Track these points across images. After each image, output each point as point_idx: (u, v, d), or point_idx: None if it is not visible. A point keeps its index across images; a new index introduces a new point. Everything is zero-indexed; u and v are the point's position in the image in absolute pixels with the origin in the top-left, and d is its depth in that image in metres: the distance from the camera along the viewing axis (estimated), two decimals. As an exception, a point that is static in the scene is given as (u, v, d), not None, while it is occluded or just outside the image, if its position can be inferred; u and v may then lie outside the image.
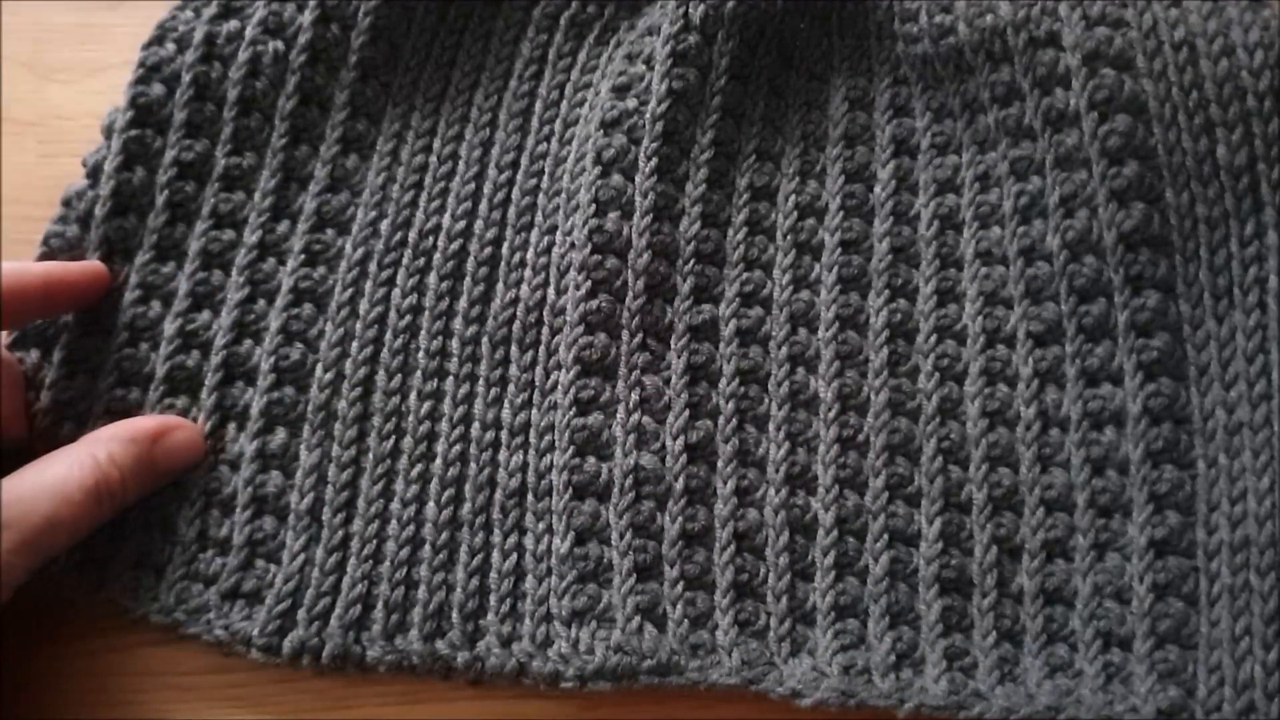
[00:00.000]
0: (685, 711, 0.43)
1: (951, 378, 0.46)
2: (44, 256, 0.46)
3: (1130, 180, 0.46)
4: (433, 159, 0.50)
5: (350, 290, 0.47)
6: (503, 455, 0.46)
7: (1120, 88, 0.46)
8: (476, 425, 0.46)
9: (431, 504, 0.45)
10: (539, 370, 0.47)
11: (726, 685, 0.42)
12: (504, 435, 0.46)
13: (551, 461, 0.45)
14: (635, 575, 0.43)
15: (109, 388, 0.45)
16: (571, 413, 0.45)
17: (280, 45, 0.48)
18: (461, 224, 0.49)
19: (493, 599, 0.44)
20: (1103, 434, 0.45)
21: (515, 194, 0.49)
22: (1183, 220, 0.46)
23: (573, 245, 0.47)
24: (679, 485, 0.45)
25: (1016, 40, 0.47)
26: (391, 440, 0.46)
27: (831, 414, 0.46)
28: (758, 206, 0.49)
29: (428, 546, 0.44)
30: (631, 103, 0.49)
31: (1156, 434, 0.44)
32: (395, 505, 0.45)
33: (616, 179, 0.48)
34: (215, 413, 0.45)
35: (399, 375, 0.47)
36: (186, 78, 0.47)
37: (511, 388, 0.47)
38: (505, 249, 0.48)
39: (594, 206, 0.47)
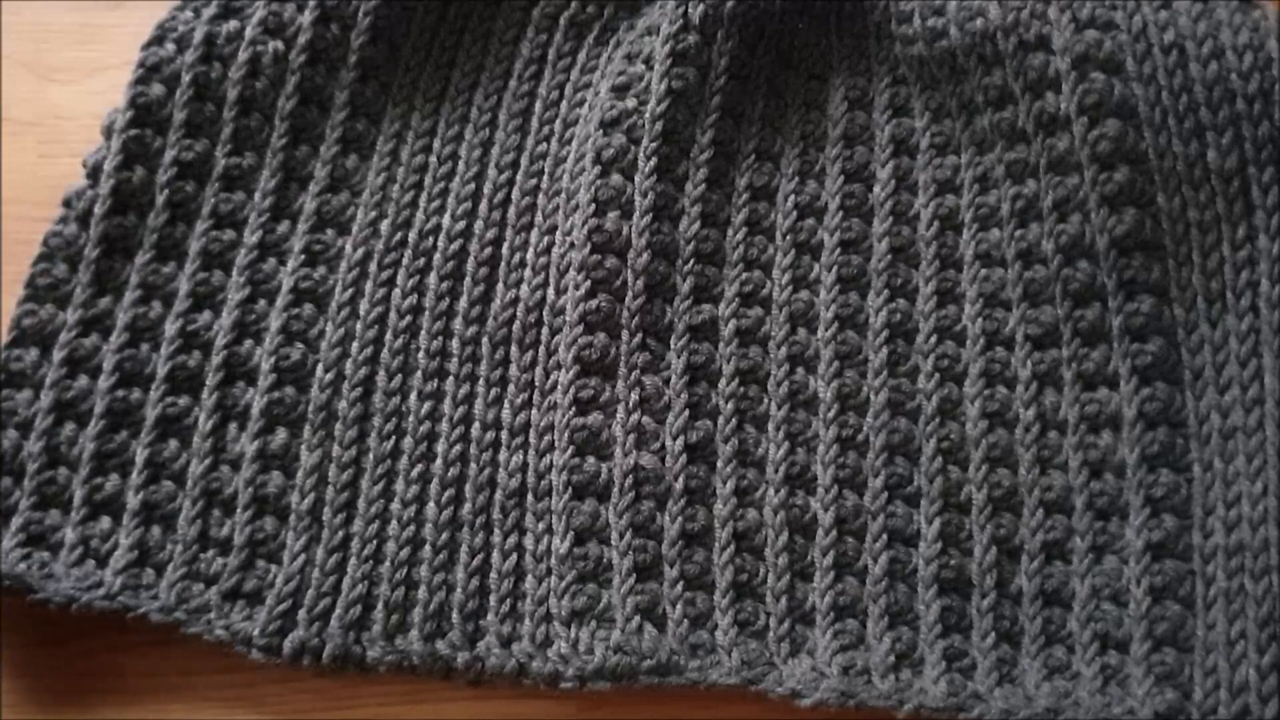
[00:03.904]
0: (685, 711, 0.43)
1: (951, 379, 0.47)
2: (43, 256, 0.46)
3: (1121, 185, 0.46)
4: (433, 159, 0.50)
5: (350, 290, 0.47)
6: (503, 455, 0.46)
7: (1110, 91, 0.46)
8: (476, 425, 0.46)
9: (432, 504, 0.45)
10: (539, 370, 0.47)
11: (726, 685, 0.42)
12: (504, 435, 0.46)
13: (551, 461, 0.45)
14: (635, 575, 0.44)
15: (110, 388, 0.45)
16: (571, 413, 0.46)
17: (280, 45, 0.48)
18: (461, 224, 0.49)
19: (493, 599, 0.44)
20: (1100, 437, 0.45)
21: (515, 194, 0.49)
22: (1174, 225, 0.46)
23: (572, 245, 0.47)
24: (679, 485, 0.45)
25: (1007, 44, 0.47)
26: (392, 440, 0.46)
27: (831, 414, 0.46)
28: (757, 206, 0.49)
29: (428, 547, 0.44)
30: (631, 102, 0.49)
31: (1152, 438, 0.45)
32: (395, 505, 0.45)
33: (616, 179, 0.48)
34: (216, 412, 0.45)
35: (399, 375, 0.47)
36: (186, 78, 0.47)
37: (511, 388, 0.47)
38: (505, 249, 0.48)
39: (594, 206, 0.47)
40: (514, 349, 0.47)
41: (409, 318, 0.47)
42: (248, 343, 0.46)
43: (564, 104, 0.51)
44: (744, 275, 0.48)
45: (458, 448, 0.46)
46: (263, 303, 0.47)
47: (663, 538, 0.44)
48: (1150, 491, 0.44)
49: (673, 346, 0.47)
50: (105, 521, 0.44)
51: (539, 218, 0.49)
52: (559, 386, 0.46)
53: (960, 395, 0.46)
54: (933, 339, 0.47)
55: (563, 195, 0.49)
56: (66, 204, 0.47)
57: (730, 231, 0.49)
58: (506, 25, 0.52)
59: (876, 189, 0.49)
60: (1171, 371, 0.46)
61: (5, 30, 0.53)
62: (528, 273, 0.48)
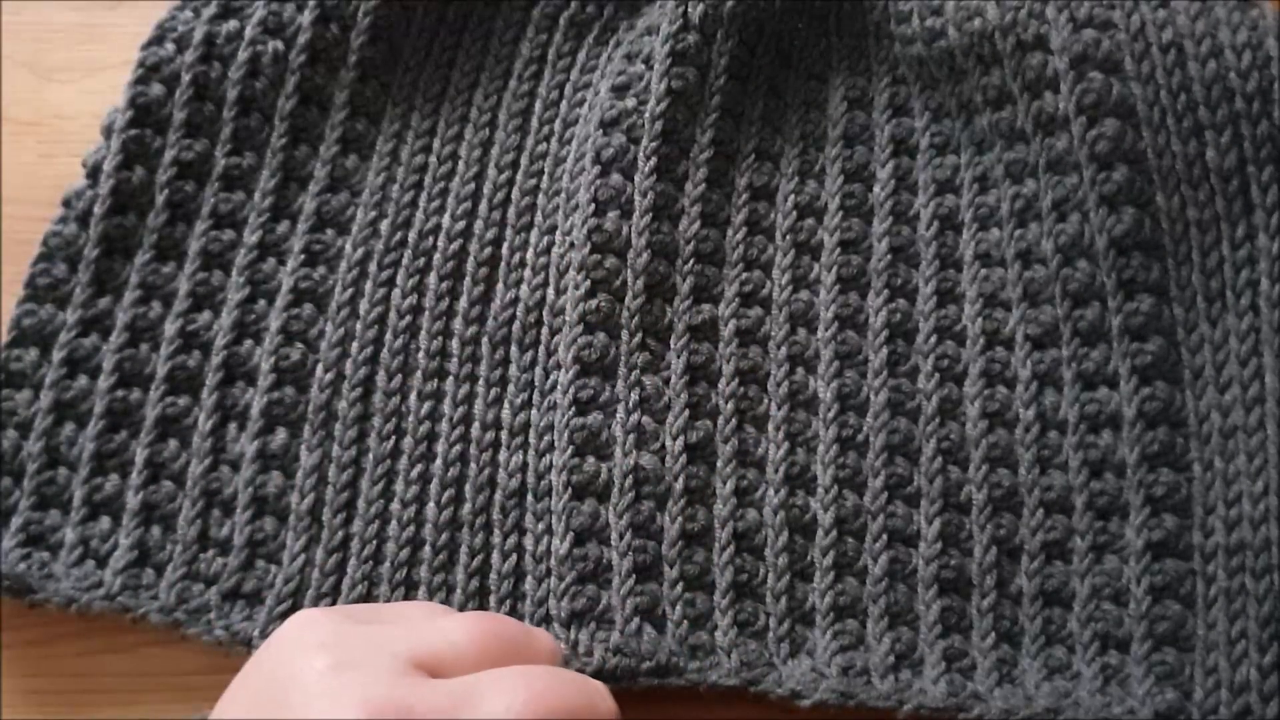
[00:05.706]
0: (685, 712, 0.43)
1: (951, 379, 0.47)
2: (43, 256, 0.46)
3: (1120, 185, 0.46)
4: (432, 159, 0.50)
5: (350, 290, 0.47)
6: (502, 456, 0.46)
7: (1108, 91, 0.46)
8: (476, 425, 0.46)
9: (431, 505, 0.45)
10: (539, 370, 0.47)
11: (726, 686, 0.42)
12: (504, 435, 0.46)
13: (551, 462, 0.45)
14: (634, 576, 0.43)
15: (110, 388, 0.45)
16: (571, 413, 0.45)
17: (280, 45, 0.48)
18: (461, 224, 0.49)
19: (492, 600, 0.44)
20: (1100, 437, 0.45)
21: (515, 194, 0.49)
22: (1174, 224, 0.46)
23: (572, 245, 0.47)
24: (679, 485, 0.45)
25: (1004, 44, 0.47)
26: (391, 441, 0.46)
27: (831, 414, 0.46)
28: (757, 206, 0.49)
29: (427, 547, 0.44)
30: (631, 102, 0.49)
31: (1152, 437, 0.45)
32: (395, 506, 0.45)
33: (616, 178, 0.48)
34: (216, 413, 0.45)
35: (399, 375, 0.47)
36: (186, 78, 0.47)
37: (511, 388, 0.47)
38: (505, 249, 0.48)
39: (593, 206, 0.47)
40: (514, 349, 0.47)
41: (409, 318, 0.47)
42: (247, 343, 0.46)
43: (564, 104, 0.51)
44: (744, 275, 0.48)
45: (457, 448, 0.46)
46: (262, 303, 0.47)
47: (663, 538, 0.44)
48: (1150, 491, 0.44)
49: (673, 346, 0.47)
50: (105, 522, 0.44)
51: (539, 218, 0.49)
52: (559, 386, 0.46)
53: (960, 395, 0.46)
54: (933, 339, 0.47)
55: (563, 195, 0.49)
56: (66, 204, 0.47)
57: (730, 231, 0.49)
58: (506, 25, 0.52)
59: (876, 189, 0.49)
60: (1171, 371, 0.45)
61: (5, 30, 0.53)
62: (527, 273, 0.48)
